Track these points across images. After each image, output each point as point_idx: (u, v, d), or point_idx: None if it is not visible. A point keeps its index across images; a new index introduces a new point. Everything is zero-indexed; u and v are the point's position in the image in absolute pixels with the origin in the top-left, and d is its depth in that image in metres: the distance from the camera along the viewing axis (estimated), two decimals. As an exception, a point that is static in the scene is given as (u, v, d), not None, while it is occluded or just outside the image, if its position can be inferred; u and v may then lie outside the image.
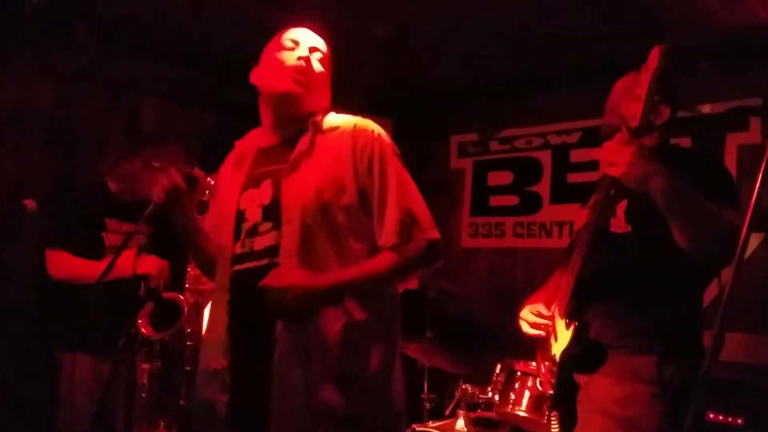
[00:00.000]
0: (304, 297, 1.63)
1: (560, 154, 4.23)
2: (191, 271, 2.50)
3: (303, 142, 1.79)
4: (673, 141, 2.16)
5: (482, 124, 4.57)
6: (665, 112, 2.01)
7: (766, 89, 3.34)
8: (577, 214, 2.20)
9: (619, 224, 1.98)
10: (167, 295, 2.51)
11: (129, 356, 2.57)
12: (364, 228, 1.76)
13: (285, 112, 1.86)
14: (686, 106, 3.56)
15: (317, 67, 1.86)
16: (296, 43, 1.88)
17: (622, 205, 1.99)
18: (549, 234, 4.22)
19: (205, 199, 2.49)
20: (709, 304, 2.15)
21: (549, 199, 4.26)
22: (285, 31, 1.93)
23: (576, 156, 4.14)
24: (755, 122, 3.42)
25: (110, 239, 2.87)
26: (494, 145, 4.55)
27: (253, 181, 1.81)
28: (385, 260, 1.73)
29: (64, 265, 2.76)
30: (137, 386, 2.59)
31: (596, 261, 1.94)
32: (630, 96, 1.82)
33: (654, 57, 1.78)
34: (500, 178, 4.50)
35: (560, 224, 4.14)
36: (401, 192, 1.76)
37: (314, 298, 1.65)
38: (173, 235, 2.69)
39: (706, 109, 3.58)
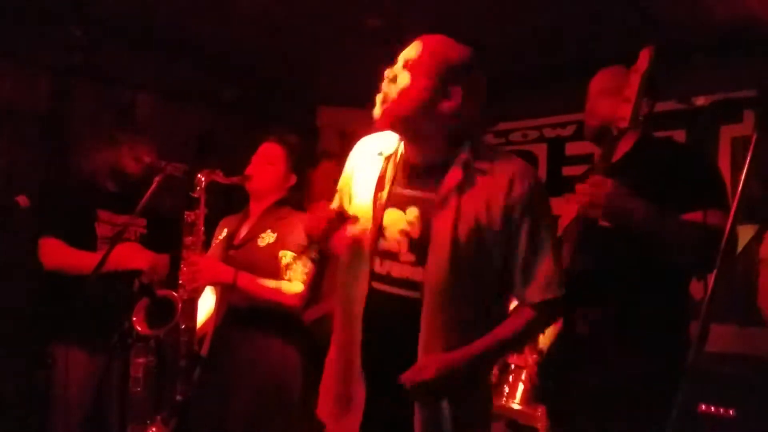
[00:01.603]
0: (445, 382, 1.62)
1: (555, 147, 4.23)
2: (184, 267, 2.50)
3: (452, 178, 1.69)
4: (667, 134, 2.16)
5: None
6: (646, 105, 2.03)
7: (760, 81, 3.34)
8: (563, 208, 2.21)
9: None
10: (160, 292, 2.51)
11: (123, 352, 2.57)
12: (504, 276, 1.72)
13: (407, 138, 1.77)
14: (680, 99, 3.56)
15: (401, 81, 1.71)
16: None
17: None
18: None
19: (195, 195, 2.51)
20: (702, 297, 2.15)
21: (545, 193, 4.25)
22: None
23: (571, 149, 4.15)
24: (749, 114, 3.42)
25: (102, 230, 2.88)
26: (489, 139, 4.54)
27: (399, 202, 1.74)
28: (516, 323, 1.70)
29: (57, 253, 2.78)
30: (131, 381, 2.59)
31: (584, 255, 1.94)
32: (619, 97, 1.84)
33: (644, 59, 1.80)
34: (495, 171, 4.49)
35: (555, 218, 4.13)
36: (555, 248, 1.72)
37: (455, 379, 1.64)
38: (168, 228, 2.71)
39: (700, 101, 3.58)
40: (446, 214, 1.67)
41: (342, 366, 1.77)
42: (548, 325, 1.82)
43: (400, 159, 1.79)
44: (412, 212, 1.72)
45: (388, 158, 1.80)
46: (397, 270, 1.71)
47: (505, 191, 1.67)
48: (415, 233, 1.70)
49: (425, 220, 1.70)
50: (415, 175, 1.76)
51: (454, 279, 1.65)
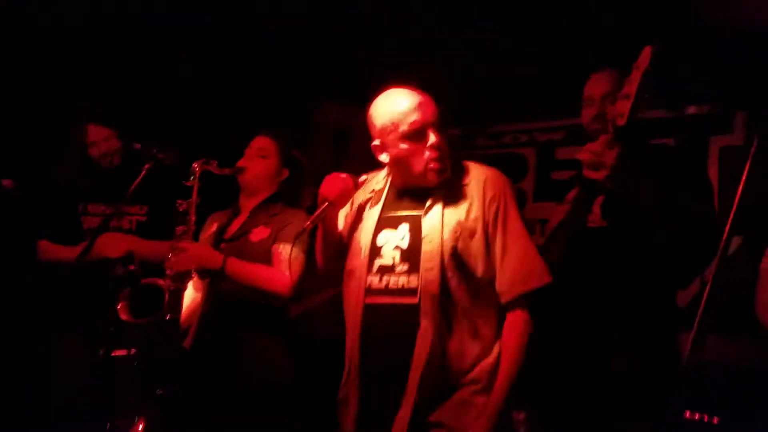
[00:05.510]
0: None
1: (545, 151, 4.24)
2: (172, 256, 2.47)
3: (438, 191, 1.91)
4: (655, 142, 2.18)
5: (469, 120, 4.55)
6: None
7: (751, 88, 3.35)
8: (552, 212, 2.21)
9: (595, 219, 1.99)
10: (147, 280, 2.48)
11: (107, 342, 2.55)
12: (491, 271, 1.86)
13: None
14: (671, 107, 3.58)
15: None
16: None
17: (599, 201, 2.00)
18: (532, 231, 4.18)
19: (188, 184, 2.49)
20: (689, 304, 2.16)
21: (533, 197, 4.27)
22: None
23: (561, 154, 4.15)
24: (738, 124, 3.44)
25: (88, 222, 2.87)
26: (481, 141, 4.54)
27: (392, 223, 1.95)
28: (511, 340, 1.82)
29: (45, 252, 2.88)
30: (116, 371, 2.57)
31: (572, 258, 1.95)
32: (618, 94, 1.84)
33: (645, 56, 1.79)
34: (485, 174, 4.49)
35: (543, 222, 4.12)
36: (519, 242, 1.88)
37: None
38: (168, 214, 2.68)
39: (691, 110, 3.60)
40: (433, 222, 1.86)
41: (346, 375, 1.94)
42: (530, 320, 1.84)
43: (390, 187, 2.01)
44: (404, 228, 1.92)
45: (378, 191, 2.02)
46: (393, 281, 1.88)
47: (481, 195, 1.90)
48: (406, 245, 1.89)
49: (414, 232, 1.89)
50: (403, 198, 1.97)
51: (445, 279, 1.81)
